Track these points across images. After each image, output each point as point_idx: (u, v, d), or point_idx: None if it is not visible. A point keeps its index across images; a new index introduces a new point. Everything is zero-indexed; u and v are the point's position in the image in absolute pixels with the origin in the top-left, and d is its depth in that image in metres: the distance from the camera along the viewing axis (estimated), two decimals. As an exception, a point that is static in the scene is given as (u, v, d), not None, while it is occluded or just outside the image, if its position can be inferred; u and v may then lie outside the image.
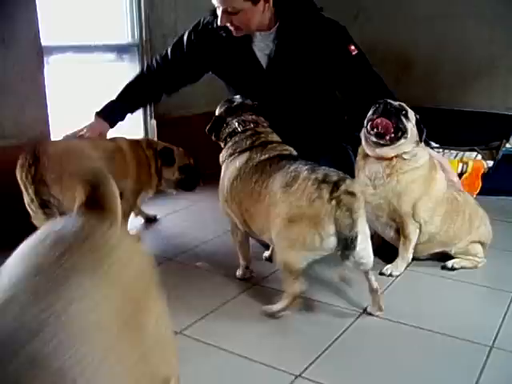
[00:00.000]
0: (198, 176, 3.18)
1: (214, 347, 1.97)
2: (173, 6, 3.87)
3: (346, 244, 1.95)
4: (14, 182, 2.64)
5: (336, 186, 1.98)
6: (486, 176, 3.74)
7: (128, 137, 3.04)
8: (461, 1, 4.39)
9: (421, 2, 4.55)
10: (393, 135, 2.41)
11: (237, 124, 2.45)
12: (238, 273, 2.52)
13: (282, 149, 2.35)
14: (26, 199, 2.55)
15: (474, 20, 4.37)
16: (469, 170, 3.74)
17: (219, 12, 2.52)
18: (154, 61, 2.93)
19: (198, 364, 1.87)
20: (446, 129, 4.26)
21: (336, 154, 2.83)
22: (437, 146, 4.13)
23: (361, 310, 2.22)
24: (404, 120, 2.43)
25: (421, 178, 2.47)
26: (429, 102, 4.48)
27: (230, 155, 2.42)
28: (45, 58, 3.15)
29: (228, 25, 2.57)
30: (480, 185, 3.72)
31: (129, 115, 2.96)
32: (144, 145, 3.06)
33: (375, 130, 2.42)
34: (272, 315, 2.14)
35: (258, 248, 2.69)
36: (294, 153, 2.37)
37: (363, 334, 2.08)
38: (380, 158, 2.47)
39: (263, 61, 2.73)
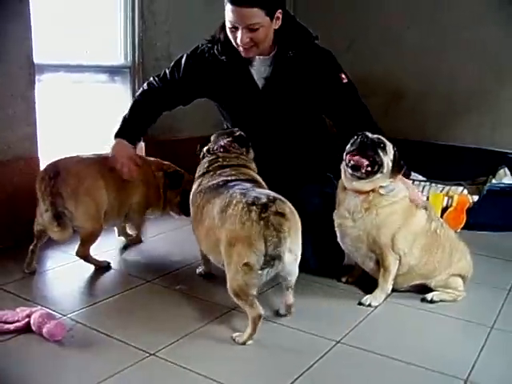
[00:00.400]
0: None
1: (186, 370, 1.95)
2: (166, 29, 3.93)
3: (268, 261, 2.04)
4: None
5: (265, 207, 2.06)
6: (471, 211, 3.77)
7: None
8: (450, 36, 4.46)
9: (411, 37, 4.62)
10: (369, 169, 2.42)
11: (208, 146, 2.63)
12: (198, 270, 2.80)
13: (230, 174, 2.45)
14: (41, 208, 2.64)
15: (463, 55, 4.43)
16: (454, 204, 3.77)
17: (238, 32, 2.57)
18: (152, 80, 2.95)
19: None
20: (433, 163, 4.31)
21: (319, 183, 2.87)
22: (424, 179, 4.17)
23: (336, 339, 2.21)
24: (381, 154, 2.43)
25: (400, 211, 2.48)
26: (417, 135, 4.54)
27: (196, 176, 2.60)
28: (37, 76, 3.16)
29: (241, 44, 2.60)
30: (465, 219, 3.75)
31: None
32: (154, 166, 3.15)
33: (351, 162, 2.43)
34: (243, 343, 2.13)
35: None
36: (243, 177, 2.43)
37: (337, 363, 2.06)
38: (357, 192, 2.47)
39: (260, 83, 2.81)
